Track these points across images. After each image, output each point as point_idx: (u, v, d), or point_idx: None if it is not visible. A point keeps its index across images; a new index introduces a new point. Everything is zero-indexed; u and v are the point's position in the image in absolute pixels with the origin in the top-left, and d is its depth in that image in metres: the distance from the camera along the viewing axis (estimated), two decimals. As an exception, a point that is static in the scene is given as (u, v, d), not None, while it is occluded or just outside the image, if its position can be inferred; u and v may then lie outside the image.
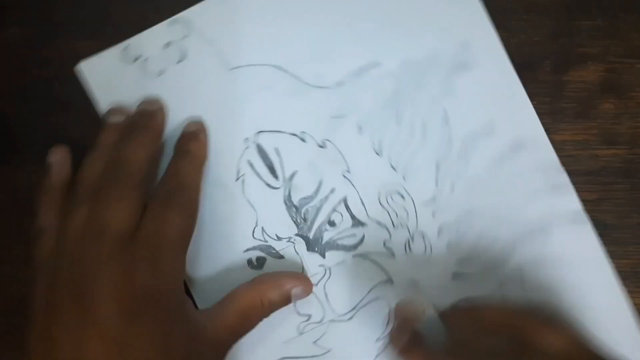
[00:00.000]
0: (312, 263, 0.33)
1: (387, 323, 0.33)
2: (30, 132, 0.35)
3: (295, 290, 0.32)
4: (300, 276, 0.33)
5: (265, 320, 0.31)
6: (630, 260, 0.34)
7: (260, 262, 0.33)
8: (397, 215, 0.34)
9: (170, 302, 0.28)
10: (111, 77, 0.34)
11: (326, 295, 0.33)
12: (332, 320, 0.33)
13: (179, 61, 0.34)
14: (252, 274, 0.33)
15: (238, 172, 0.34)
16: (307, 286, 0.32)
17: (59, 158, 0.32)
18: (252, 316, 0.31)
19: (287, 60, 0.34)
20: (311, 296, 0.33)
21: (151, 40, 0.34)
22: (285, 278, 0.32)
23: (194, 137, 0.33)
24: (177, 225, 0.29)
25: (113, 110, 0.33)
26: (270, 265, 0.33)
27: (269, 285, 0.31)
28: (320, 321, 0.33)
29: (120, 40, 0.34)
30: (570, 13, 0.35)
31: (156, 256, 0.27)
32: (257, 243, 0.33)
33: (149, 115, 0.33)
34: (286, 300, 0.32)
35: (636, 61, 0.35)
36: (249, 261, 0.33)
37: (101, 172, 0.30)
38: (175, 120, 0.34)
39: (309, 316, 0.33)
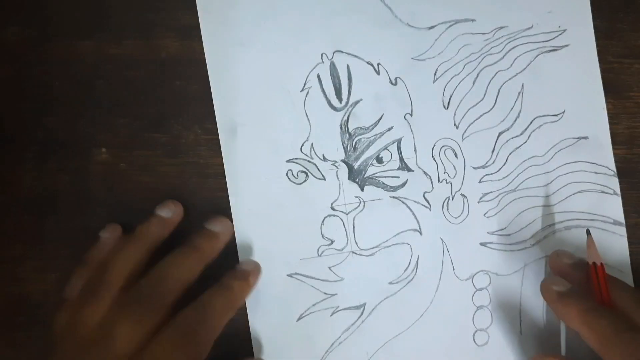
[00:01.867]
0: (349, 192, 0.34)
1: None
2: (29, 132, 0.35)
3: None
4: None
5: (287, 235, 0.33)
6: (628, 260, 0.34)
7: (300, 178, 0.34)
8: (445, 170, 0.34)
9: None
10: None
11: (354, 226, 0.34)
12: (353, 252, 0.34)
13: None
14: (290, 187, 0.34)
15: (305, 83, 0.34)
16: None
17: (109, 235, 0.32)
18: None
19: None
20: (337, 222, 0.34)
21: None
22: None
23: (244, 277, 0.31)
24: None
25: (166, 204, 0.33)
26: (311, 184, 0.34)
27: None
28: (342, 250, 0.34)
29: (119, 39, 0.34)
30: (569, 13, 0.35)
31: None
32: (302, 157, 0.34)
33: (214, 238, 0.32)
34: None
35: (635, 61, 0.35)
36: (289, 173, 0.34)
37: (137, 274, 0.29)
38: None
39: (332, 241, 0.34)
